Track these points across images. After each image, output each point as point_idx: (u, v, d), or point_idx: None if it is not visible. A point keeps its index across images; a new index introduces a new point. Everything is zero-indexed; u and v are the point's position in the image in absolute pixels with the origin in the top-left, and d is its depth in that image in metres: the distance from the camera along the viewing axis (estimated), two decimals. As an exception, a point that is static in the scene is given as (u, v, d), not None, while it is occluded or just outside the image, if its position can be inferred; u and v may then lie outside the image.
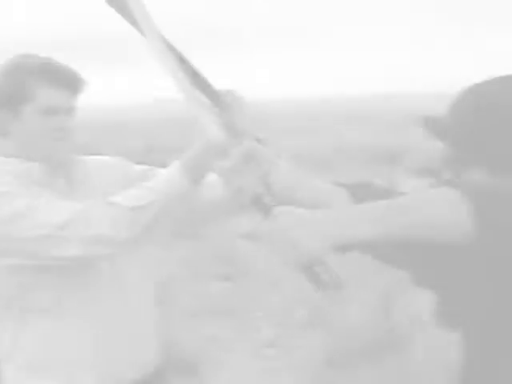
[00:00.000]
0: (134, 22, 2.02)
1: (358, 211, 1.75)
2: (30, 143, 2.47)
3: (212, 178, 2.32)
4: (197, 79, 2.05)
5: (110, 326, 2.49)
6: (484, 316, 1.94)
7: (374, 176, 16.41)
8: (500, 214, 1.77)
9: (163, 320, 2.74)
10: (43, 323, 2.45)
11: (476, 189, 1.84)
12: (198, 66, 2.09)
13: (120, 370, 2.52)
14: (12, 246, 2.34)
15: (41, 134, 2.45)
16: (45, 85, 2.43)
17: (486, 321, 1.94)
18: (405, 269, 2.11)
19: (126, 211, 2.27)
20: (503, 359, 1.94)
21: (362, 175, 17.84)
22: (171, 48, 1.99)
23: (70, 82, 2.48)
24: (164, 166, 2.76)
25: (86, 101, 2.57)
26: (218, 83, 2.13)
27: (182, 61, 2.02)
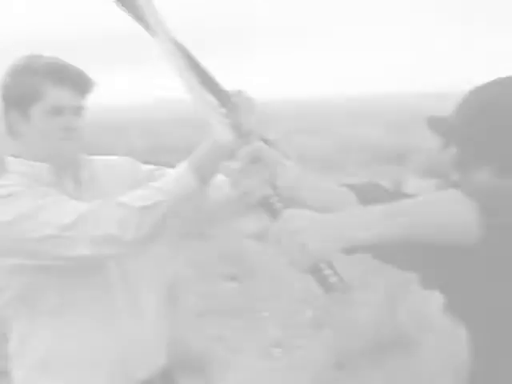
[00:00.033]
0: (142, 22, 2.02)
1: (366, 213, 1.74)
2: (38, 143, 2.47)
3: (219, 178, 2.32)
4: (205, 79, 2.04)
5: (119, 326, 2.50)
6: (491, 316, 1.94)
7: (379, 176, 16.40)
8: (506, 215, 1.77)
9: (170, 320, 2.74)
10: (52, 323, 2.46)
11: (482, 190, 1.84)
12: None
13: (129, 369, 2.52)
14: (20, 245, 2.34)
15: (49, 133, 2.45)
16: (53, 85, 2.44)
17: (493, 320, 1.94)
18: (412, 270, 2.12)
19: (133, 211, 2.27)
20: (510, 359, 1.94)
21: (367, 175, 17.82)
22: (180, 47, 1.99)
23: (77, 82, 2.48)
24: (167, 165, 2.76)
25: (89, 101, 2.57)
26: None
27: (191, 60, 2.02)
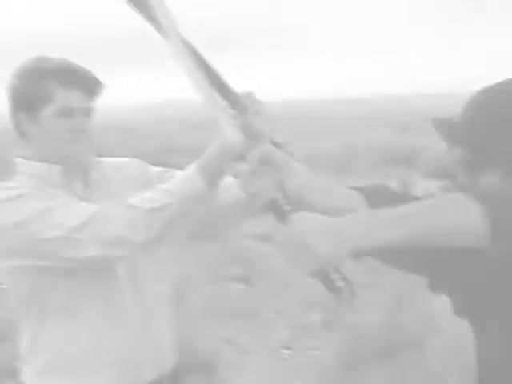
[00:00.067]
0: (154, 22, 2.01)
1: (374, 217, 1.73)
2: (48, 145, 2.48)
3: (228, 180, 2.32)
4: (215, 80, 2.04)
5: (128, 327, 2.51)
6: (499, 319, 1.94)
7: (387, 178, 16.37)
8: None
9: (179, 321, 2.74)
10: (61, 323, 2.46)
11: (490, 193, 1.83)
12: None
13: (137, 369, 2.53)
14: (30, 247, 2.34)
15: (59, 135, 2.45)
16: (62, 86, 2.43)
17: (501, 324, 1.94)
18: (419, 274, 2.12)
19: (142, 213, 2.27)
20: None
21: (375, 177, 17.80)
22: (191, 48, 1.98)
23: (87, 84, 2.47)
24: (175, 166, 2.76)
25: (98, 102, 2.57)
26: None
27: (202, 61, 2.01)
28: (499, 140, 1.93)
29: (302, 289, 7.39)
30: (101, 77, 2.53)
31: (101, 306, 2.47)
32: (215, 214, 2.53)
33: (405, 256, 1.91)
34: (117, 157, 2.77)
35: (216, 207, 2.48)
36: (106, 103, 2.59)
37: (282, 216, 1.79)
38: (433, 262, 1.93)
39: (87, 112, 2.49)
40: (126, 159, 2.73)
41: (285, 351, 6.56)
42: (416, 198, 2.00)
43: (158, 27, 1.98)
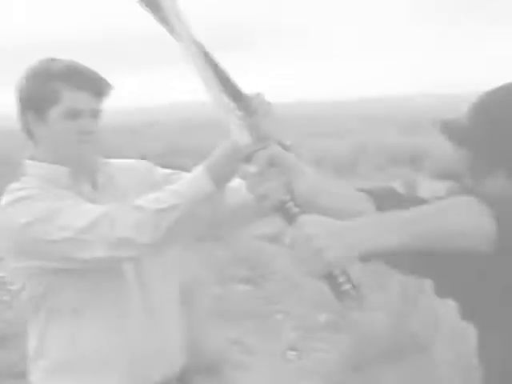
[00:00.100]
0: (164, 23, 2.01)
1: (382, 221, 1.73)
2: (55, 146, 2.48)
3: (236, 181, 2.32)
4: (225, 82, 2.04)
5: (135, 327, 2.51)
6: (505, 323, 1.94)
7: (393, 179, 16.36)
8: None
9: (186, 322, 2.75)
10: (70, 324, 2.46)
11: (497, 196, 1.83)
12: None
13: (146, 370, 2.53)
14: (37, 248, 2.35)
15: (66, 136, 2.46)
16: (69, 87, 2.44)
17: (508, 328, 1.94)
18: (426, 278, 2.11)
19: (149, 214, 2.26)
20: None
21: (381, 178, 17.79)
22: (202, 49, 1.98)
23: (94, 85, 2.48)
24: (181, 168, 2.76)
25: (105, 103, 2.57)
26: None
27: (212, 62, 2.01)
28: (505, 142, 1.92)
29: (310, 290, 7.38)
30: (107, 78, 2.54)
31: (109, 306, 2.47)
32: (223, 215, 2.53)
33: (411, 260, 1.91)
34: (123, 158, 2.77)
35: (224, 209, 2.48)
36: (111, 104, 2.59)
37: (290, 218, 1.78)
38: (439, 265, 1.93)
39: (94, 113, 2.49)
40: (133, 161, 2.73)
41: (292, 353, 6.56)
42: (423, 200, 1.99)
43: (170, 28, 1.98)
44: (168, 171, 2.68)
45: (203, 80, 1.88)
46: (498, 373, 1.98)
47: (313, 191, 1.85)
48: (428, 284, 2.05)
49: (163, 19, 1.99)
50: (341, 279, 1.70)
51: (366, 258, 1.74)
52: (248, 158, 1.82)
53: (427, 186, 14.03)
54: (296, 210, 1.79)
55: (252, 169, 1.80)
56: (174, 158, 18.30)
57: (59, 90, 2.44)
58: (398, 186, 2.15)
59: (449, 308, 4.58)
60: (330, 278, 1.70)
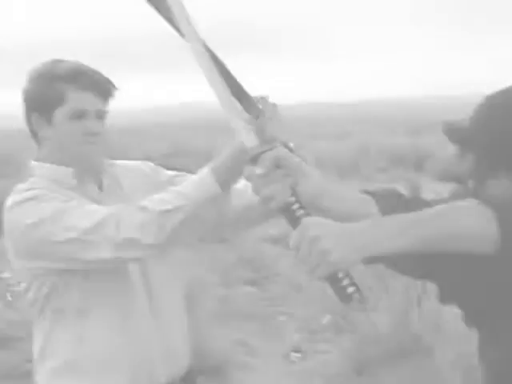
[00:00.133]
0: (172, 23, 2.01)
1: (387, 223, 1.73)
2: (61, 147, 2.49)
3: (242, 183, 2.32)
4: (232, 83, 2.04)
5: (141, 329, 2.51)
6: (509, 326, 1.94)
7: (397, 180, 16.35)
8: None
9: (191, 324, 2.75)
10: (75, 325, 2.47)
11: (500, 199, 1.84)
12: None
13: (150, 372, 2.53)
14: (43, 248, 2.36)
15: (72, 138, 2.47)
16: (74, 89, 2.45)
17: (510, 330, 1.94)
18: (428, 281, 2.12)
19: (154, 215, 2.27)
20: None
21: (385, 179, 17.78)
22: (209, 51, 1.98)
23: (99, 87, 2.49)
24: (185, 169, 2.77)
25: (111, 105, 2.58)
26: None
27: (219, 64, 2.01)
28: (507, 145, 1.92)
29: (313, 292, 7.37)
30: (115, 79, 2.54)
31: (114, 307, 2.47)
32: (228, 217, 2.53)
33: (415, 262, 1.91)
34: (127, 159, 2.78)
35: (229, 210, 2.48)
36: (116, 106, 2.60)
37: (294, 220, 1.78)
38: (443, 268, 1.93)
39: (100, 114, 2.50)
40: (138, 162, 2.74)
41: (295, 354, 6.55)
42: (426, 202, 1.99)
43: (177, 29, 1.98)
44: (173, 173, 2.68)
45: (210, 81, 1.88)
46: (499, 374, 1.98)
47: (317, 193, 1.85)
48: (431, 286, 2.06)
49: (171, 19, 1.99)
50: (345, 282, 1.70)
51: (369, 260, 1.75)
52: (254, 160, 1.82)
53: (431, 189, 14.01)
54: (301, 212, 1.78)
55: (258, 170, 1.80)
56: (178, 159, 18.30)
57: (64, 92, 2.44)
58: (401, 188, 2.15)
59: (451, 310, 4.59)
60: (334, 280, 1.69)
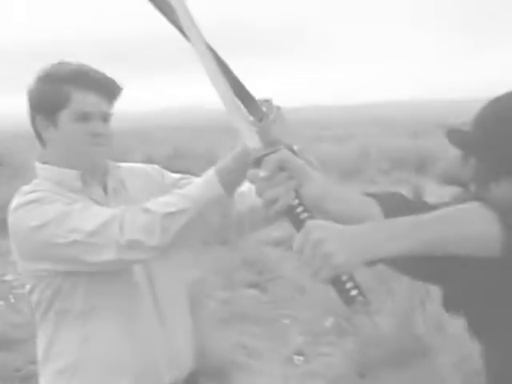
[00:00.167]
0: (175, 23, 2.01)
1: (391, 226, 1.73)
2: (66, 149, 2.50)
3: (246, 186, 2.33)
4: (236, 86, 2.04)
5: (145, 331, 2.52)
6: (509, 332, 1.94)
7: (399, 183, 16.35)
8: None
9: (193, 326, 2.75)
10: (79, 328, 2.47)
11: (503, 202, 1.84)
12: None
13: (154, 374, 2.54)
14: (47, 251, 2.36)
15: (76, 140, 2.47)
16: (78, 90, 2.45)
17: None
18: (431, 283, 2.12)
19: (158, 217, 2.27)
20: None
21: (387, 182, 17.78)
22: (213, 53, 1.98)
23: (104, 88, 2.49)
24: (188, 172, 2.77)
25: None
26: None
27: (223, 67, 2.01)
28: (509, 149, 1.92)
29: (317, 295, 7.37)
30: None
31: (118, 310, 2.48)
32: (231, 219, 2.54)
33: (419, 265, 1.91)
34: (129, 161, 2.78)
35: (233, 213, 2.49)
36: (119, 108, 2.61)
37: (298, 223, 1.77)
38: (446, 271, 1.93)
39: (104, 116, 2.51)
40: (143, 165, 2.74)
41: (298, 357, 6.55)
42: (430, 205, 2.00)
43: (182, 31, 1.98)
44: (178, 176, 2.69)
45: (213, 83, 1.88)
46: (502, 378, 1.99)
47: (321, 196, 1.85)
48: (434, 289, 2.06)
49: (174, 21, 1.99)
50: (348, 284, 1.70)
51: (372, 262, 1.75)
52: (257, 163, 1.82)
53: (433, 192, 14.00)
54: (305, 214, 1.78)
55: (261, 173, 1.80)
56: (180, 162, 18.31)
57: (68, 93, 2.45)
58: (403, 191, 2.15)
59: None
60: (337, 282, 1.69)
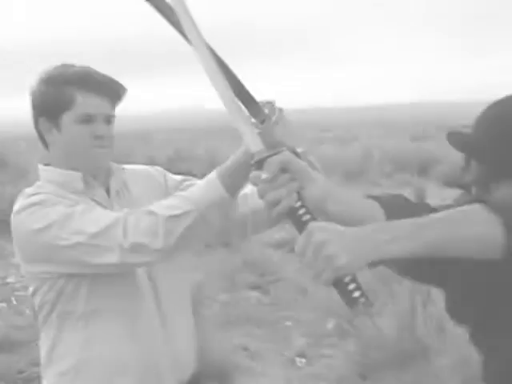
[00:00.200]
0: (176, 25, 2.01)
1: (393, 228, 1.73)
2: (69, 152, 2.50)
3: (249, 188, 2.33)
4: (238, 89, 2.04)
5: (147, 334, 2.51)
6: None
7: (402, 185, 16.34)
8: None
9: (196, 328, 2.76)
10: (81, 330, 2.47)
11: (505, 205, 1.84)
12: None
13: (157, 377, 2.53)
14: (50, 253, 2.36)
15: (79, 142, 2.47)
16: (82, 93, 2.45)
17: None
18: (432, 285, 2.12)
19: (161, 220, 2.27)
20: None
21: (390, 184, 17.77)
22: (215, 55, 1.98)
23: (107, 90, 2.49)
24: (189, 174, 2.77)
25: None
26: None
27: (225, 69, 2.01)
28: (510, 152, 1.93)
29: (318, 297, 7.37)
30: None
31: (121, 312, 2.48)
32: (234, 222, 2.54)
33: (421, 267, 1.91)
34: (131, 163, 2.78)
35: (235, 215, 2.49)
36: (119, 109, 2.61)
37: (300, 225, 1.77)
38: (449, 274, 1.93)
39: (108, 118, 2.51)
40: (147, 167, 2.74)
41: (300, 359, 6.55)
42: (433, 208, 2.00)
43: (183, 33, 1.97)
44: (180, 177, 2.69)
45: (215, 85, 1.88)
46: (502, 379, 1.99)
47: (323, 198, 1.85)
48: (435, 291, 2.07)
49: (175, 23, 1.99)
50: (351, 286, 1.70)
51: (374, 264, 1.75)
52: (259, 165, 1.83)
53: (436, 194, 14.00)
54: (307, 216, 1.78)
55: (263, 175, 1.80)
56: (182, 163, 18.29)
57: (71, 95, 2.45)
58: (406, 193, 2.15)
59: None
60: (340, 285, 1.69)
